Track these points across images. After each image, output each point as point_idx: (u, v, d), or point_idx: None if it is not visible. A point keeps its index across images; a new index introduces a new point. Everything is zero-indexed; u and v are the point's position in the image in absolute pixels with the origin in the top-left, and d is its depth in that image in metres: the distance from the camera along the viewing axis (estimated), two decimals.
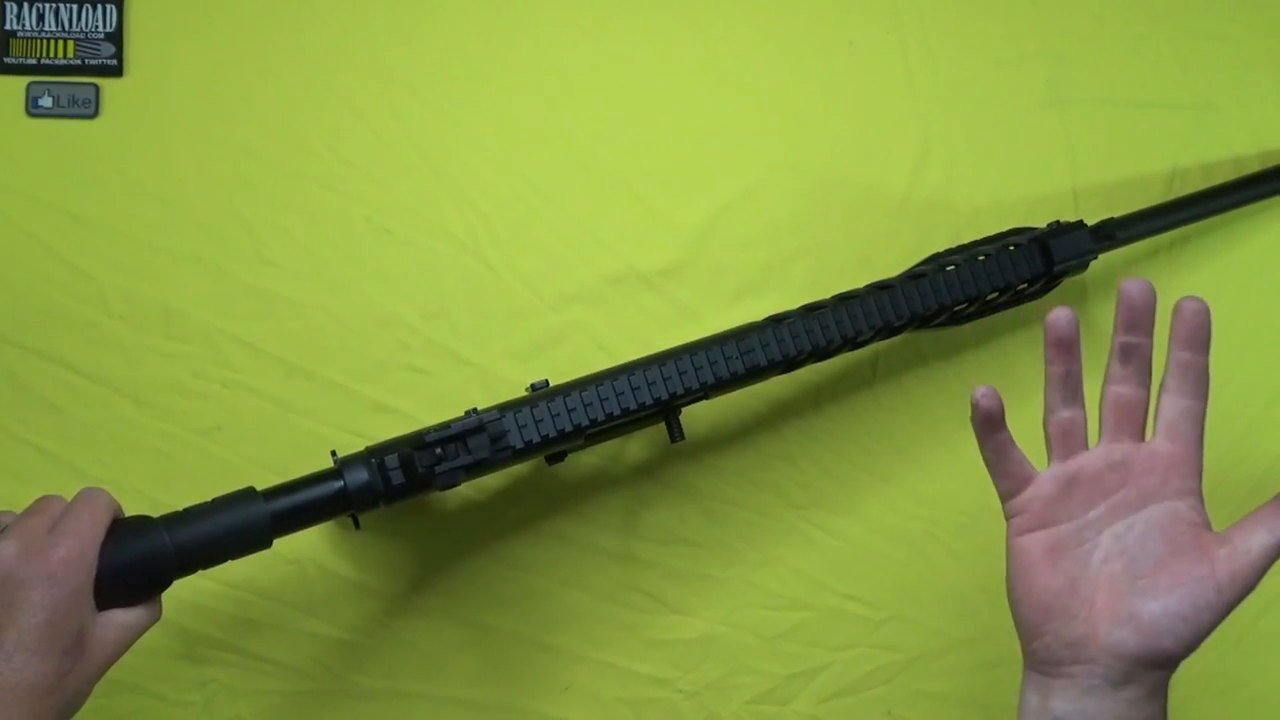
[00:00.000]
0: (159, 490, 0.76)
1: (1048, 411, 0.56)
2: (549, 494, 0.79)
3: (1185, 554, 0.54)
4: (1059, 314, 0.55)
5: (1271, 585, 0.83)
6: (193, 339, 0.78)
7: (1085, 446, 0.56)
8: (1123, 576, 0.54)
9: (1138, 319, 0.55)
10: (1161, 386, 0.55)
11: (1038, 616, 0.55)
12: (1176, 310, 0.55)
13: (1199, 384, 0.55)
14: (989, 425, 0.56)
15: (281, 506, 0.64)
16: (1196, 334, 0.54)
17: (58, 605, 0.55)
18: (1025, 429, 0.83)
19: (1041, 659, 0.55)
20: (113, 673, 0.59)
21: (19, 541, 0.56)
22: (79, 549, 0.56)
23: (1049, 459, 0.57)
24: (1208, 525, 0.55)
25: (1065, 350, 0.55)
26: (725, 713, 0.81)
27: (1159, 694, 0.54)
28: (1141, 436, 0.56)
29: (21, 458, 0.76)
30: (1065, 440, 0.56)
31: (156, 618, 0.61)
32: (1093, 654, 0.54)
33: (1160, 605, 0.53)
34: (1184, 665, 0.83)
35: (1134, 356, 0.55)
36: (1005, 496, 0.57)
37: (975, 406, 0.55)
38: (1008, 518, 0.57)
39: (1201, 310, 0.54)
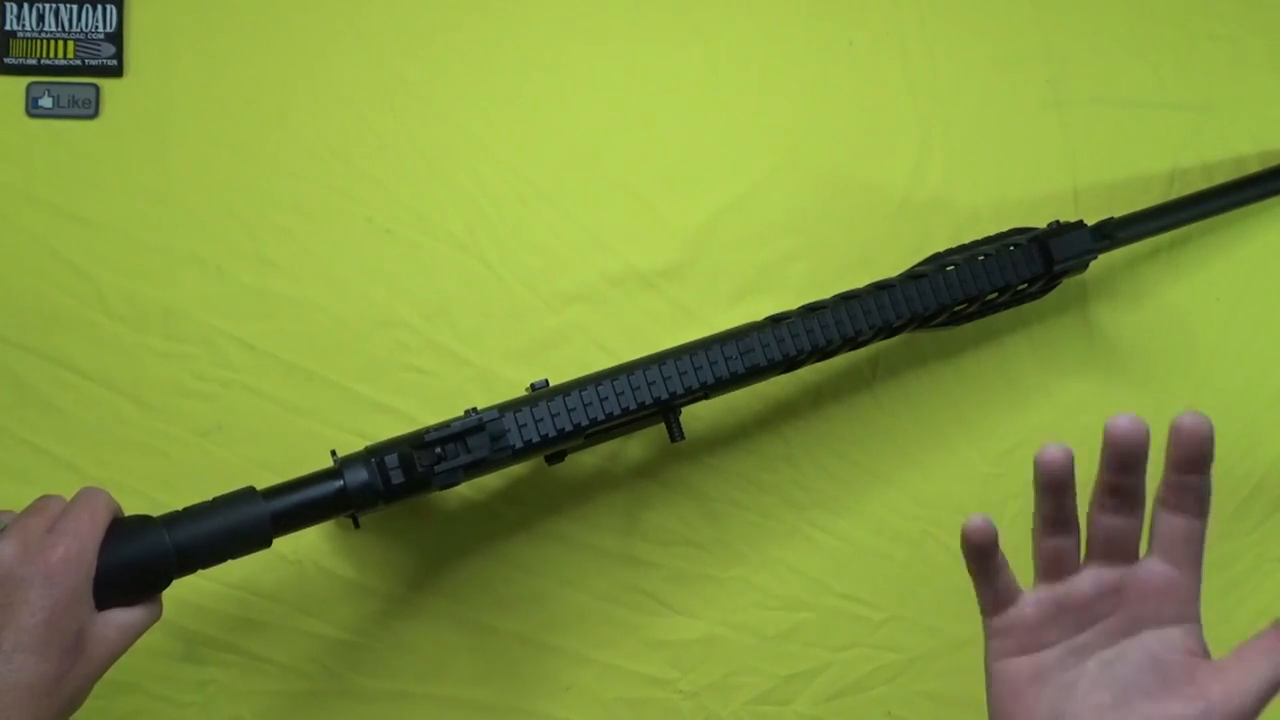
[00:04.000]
0: (159, 490, 0.76)
1: (1036, 535, 0.52)
2: (550, 495, 0.79)
3: (1178, 689, 0.49)
4: (1052, 455, 0.50)
5: (1271, 585, 0.83)
6: (193, 339, 0.78)
7: (1075, 570, 0.52)
8: (1112, 710, 0.50)
9: (1128, 463, 0.49)
10: (1157, 500, 0.50)
11: None
12: (1174, 429, 0.49)
13: (1200, 503, 0.50)
14: (980, 557, 0.52)
15: (281, 506, 0.64)
16: (1196, 454, 0.49)
17: (57, 605, 0.55)
18: (1025, 431, 0.83)
19: None
20: (113, 673, 0.59)
21: (18, 541, 0.56)
22: (78, 549, 0.56)
23: (1035, 581, 0.53)
24: (1205, 653, 0.50)
25: (1058, 493, 0.50)
26: (725, 713, 0.81)
27: None
28: (1135, 559, 0.51)
29: (22, 458, 0.76)
30: (1054, 566, 0.52)
31: (156, 617, 0.61)
32: None
33: None
34: None
35: (1125, 493, 0.50)
36: (986, 613, 0.53)
37: (965, 539, 0.51)
38: (987, 637, 0.53)
39: (1202, 427, 0.48)
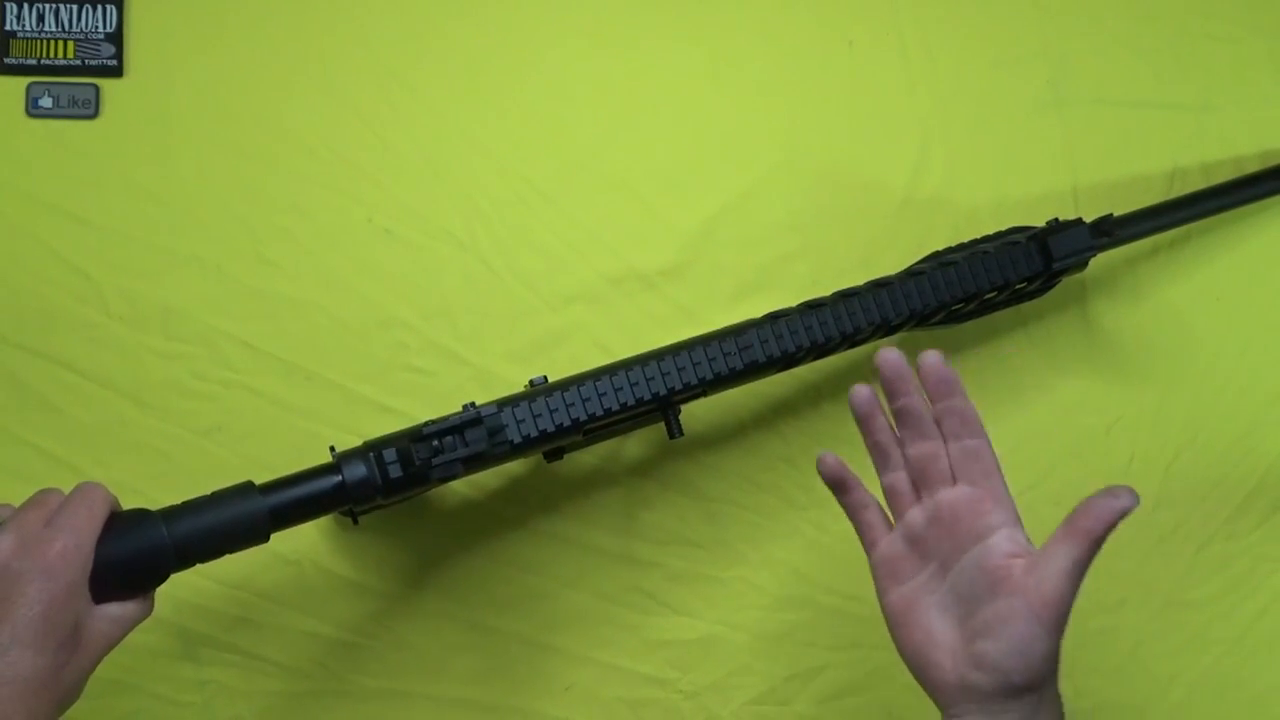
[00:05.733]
0: (159, 490, 0.76)
1: (878, 475, 0.62)
2: (549, 494, 0.79)
3: (1003, 589, 0.56)
4: (857, 392, 0.61)
5: (1271, 585, 0.83)
6: (193, 339, 0.78)
7: (910, 506, 0.61)
8: (965, 621, 0.57)
9: (895, 385, 0.60)
10: (943, 438, 0.60)
11: (913, 666, 0.59)
12: (920, 369, 0.59)
13: (965, 423, 0.59)
14: (834, 486, 0.63)
15: (279, 500, 0.64)
16: (943, 381, 0.59)
17: (54, 599, 0.55)
18: (1024, 431, 0.83)
19: (937, 704, 0.58)
20: (113, 673, 0.59)
21: (16, 535, 0.56)
22: (75, 543, 0.56)
23: (892, 520, 0.62)
24: (1026, 552, 0.57)
25: (867, 422, 0.62)
26: (725, 713, 0.80)
27: (1043, 709, 0.56)
28: (950, 482, 0.60)
29: (21, 458, 0.76)
30: (894, 501, 0.61)
31: (149, 611, 0.61)
32: (961, 696, 0.56)
33: (996, 645, 0.55)
34: (1184, 666, 0.83)
35: (908, 416, 0.60)
36: (866, 549, 0.62)
37: (820, 471, 0.62)
38: (872, 575, 0.62)
39: (938, 360, 0.59)
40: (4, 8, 0.78)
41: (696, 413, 0.79)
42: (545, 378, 0.70)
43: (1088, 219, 0.78)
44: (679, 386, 0.70)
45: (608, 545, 0.80)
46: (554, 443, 0.69)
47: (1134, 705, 0.82)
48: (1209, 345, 0.84)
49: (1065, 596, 0.55)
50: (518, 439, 0.67)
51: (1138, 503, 0.54)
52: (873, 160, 0.83)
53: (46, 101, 0.78)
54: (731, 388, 0.73)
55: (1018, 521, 0.59)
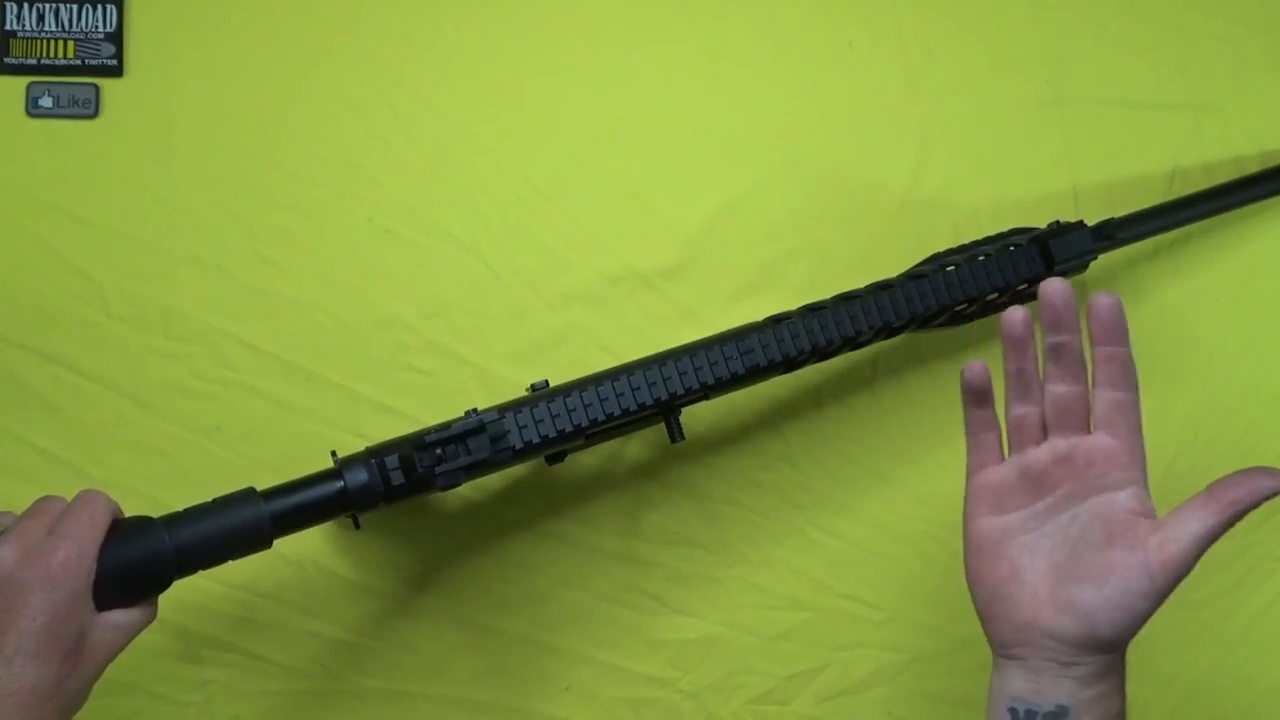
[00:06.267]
0: (159, 490, 0.76)
1: (1006, 406, 0.60)
2: (550, 495, 0.79)
3: (1122, 542, 0.56)
4: (1013, 313, 0.59)
5: (1271, 585, 0.83)
6: (193, 339, 0.78)
7: (1037, 442, 0.59)
8: (1064, 565, 0.57)
9: (1061, 318, 0.57)
10: (1093, 384, 0.58)
11: (986, 598, 0.59)
12: (1091, 308, 0.57)
13: (1125, 375, 0.57)
14: (972, 397, 0.60)
15: (281, 507, 0.64)
16: (1113, 327, 0.57)
17: (57, 609, 0.55)
18: None
19: (997, 641, 0.58)
20: (113, 673, 0.59)
21: (18, 545, 0.56)
22: (78, 552, 0.56)
23: (1009, 451, 0.60)
24: (1150, 513, 0.57)
25: (1018, 348, 0.59)
26: (725, 713, 0.81)
27: (1111, 673, 0.56)
28: (1085, 430, 0.58)
29: (21, 458, 0.76)
30: (1018, 434, 0.60)
31: (153, 617, 0.61)
32: (1037, 638, 0.56)
33: (1096, 593, 0.55)
34: (1184, 666, 0.83)
35: (1064, 354, 0.58)
36: (971, 471, 0.61)
37: (963, 378, 0.60)
38: (966, 499, 0.61)
39: (1114, 304, 0.57)
40: (4, 7, 0.78)
41: (698, 413, 0.79)
42: (546, 381, 0.70)
43: (1088, 219, 0.78)
44: (680, 391, 0.70)
45: (608, 546, 0.80)
46: (556, 448, 0.69)
47: (1134, 705, 0.82)
48: (1209, 346, 0.84)
49: (1187, 561, 0.54)
50: (520, 445, 0.67)
51: None
52: (873, 160, 0.83)
53: (46, 101, 0.78)
54: (733, 391, 0.73)
55: (1147, 484, 0.58)
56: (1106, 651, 0.56)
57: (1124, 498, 0.57)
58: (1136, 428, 0.58)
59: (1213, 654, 0.83)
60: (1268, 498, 0.54)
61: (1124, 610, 0.55)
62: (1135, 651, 0.83)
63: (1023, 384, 0.59)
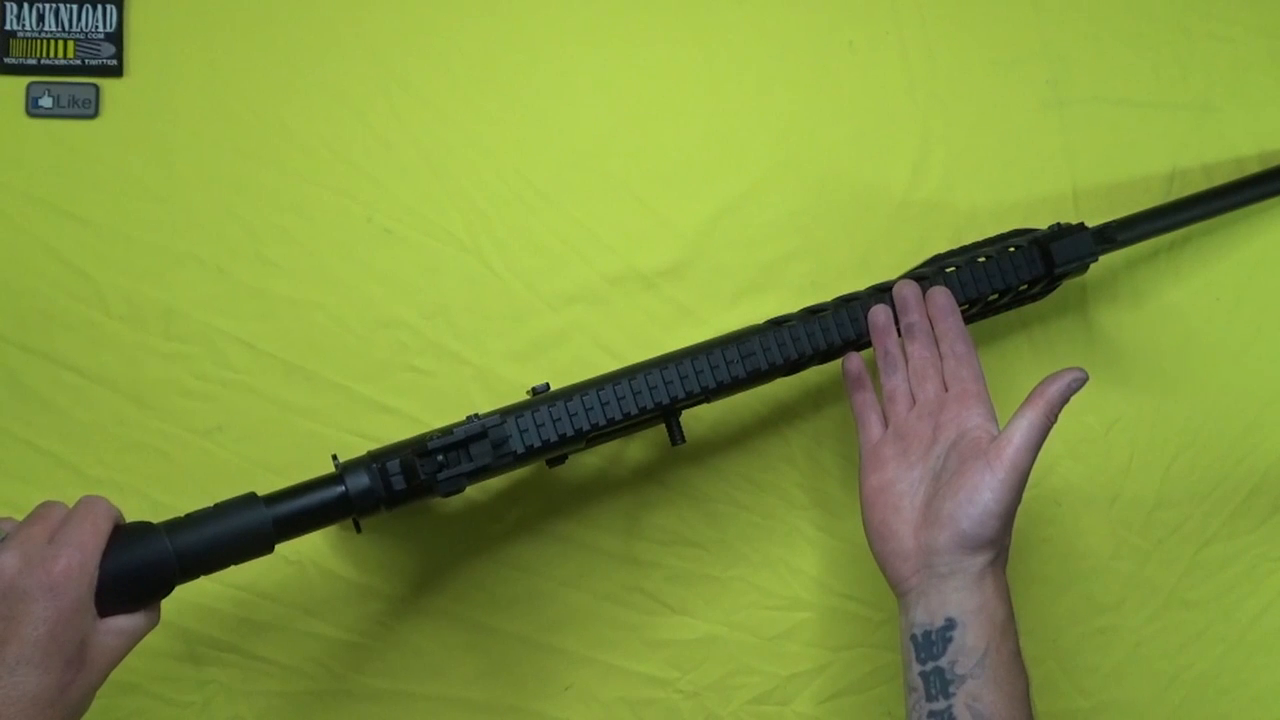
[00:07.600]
0: (160, 491, 0.76)
1: (881, 382, 0.72)
2: (551, 496, 0.79)
3: (971, 460, 0.65)
4: (876, 312, 0.72)
5: (1271, 585, 0.83)
6: (193, 339, 0.78)
7: (909, 408, 0.70)
8: (932, 493, 0.66)
9: (909, 305, 0.72)
10: (940, 353, 0.71)
11: (877, 544, 0.68)
12: (929, 298, 0.72)
13: (960, 337, 0.70)
14: (853, 383, 0.73)
15: (283, 511, 0.64)
16: (946, 308, 0.71)
17: (59, 617, 0.55)
18: None
19: (894, 581, 0.67)
20: (114, 674, 0.59)
21: (20, 552, 0.55)
22: (79, 559, 0.56)
23: (888, 422, 0.71)
24: (993, 433, 0.66)
25: (882, 334, 0.72)
26: (725, 713, 0.81)
27: (987, 579, 0.63)
28: (942, 388, 0.69)
29: (22, 458, 0.76)
30: (891, 403, 0.71)
31: (155, 623, 0.61)
32: (917, 561, 0.65)
33: (950, 501, 0.64)
34: (1184, 666, 0.83)
35: (915, 330, 0.71)
36: (861, 445, 0.71)
37: (844, 367, 0.73)
38: (859, 468, 0.71)
39: (945, 292, 0.72)
40: (4, 7, 0.78)
41: (698, 414, 0.79)
42: (547, 384, 0.70)
43: (1088, 219, 0.79)
44: (681, 394, 0.70)
45: (609, 546, 0.80)
46: (558, 451, 0.69)
47: (1134, 705, 0.83)
48: (1209, 346, 0.85)
49: (1020, 452, 0.63)
50: (522, 449, 0.67)
51: (1088, 377, 0.64)
52: (872, 161, 0.83)
53: (46, 101, 0.78)
54: (733, 394, 0.73)
55: (994, 417, 0.67)
56: (976, 550, 0.63)
57: (972, 427, 0.66)
58: (978, 375, 0.69)
59: (1213, 654, 0.83)
60: (1076, 389, 0.64)
61: (978, 505, 0.63)
62: (1135, 652, 0.84)
63: (890, 360, 0.71)
